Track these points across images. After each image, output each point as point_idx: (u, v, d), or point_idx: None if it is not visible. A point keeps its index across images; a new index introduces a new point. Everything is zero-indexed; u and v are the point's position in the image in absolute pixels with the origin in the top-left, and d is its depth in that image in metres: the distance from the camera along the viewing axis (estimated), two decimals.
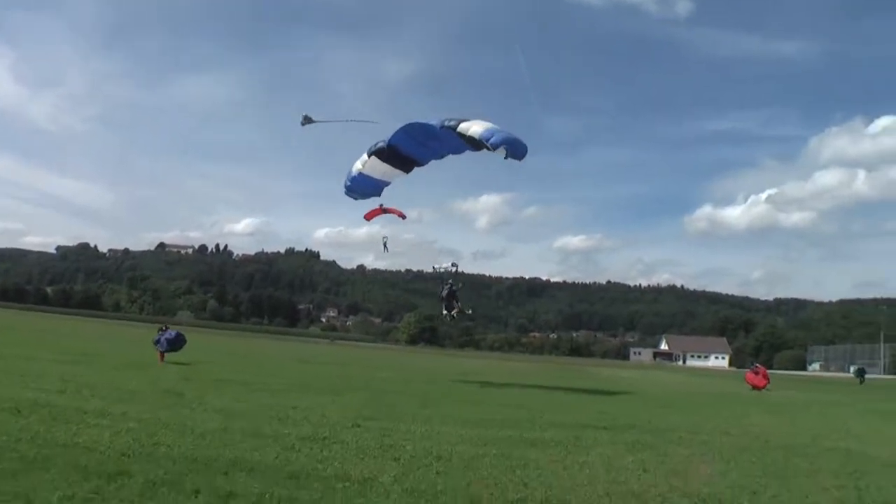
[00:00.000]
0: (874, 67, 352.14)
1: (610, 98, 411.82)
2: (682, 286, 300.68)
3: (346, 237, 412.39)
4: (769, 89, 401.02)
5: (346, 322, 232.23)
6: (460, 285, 25.98)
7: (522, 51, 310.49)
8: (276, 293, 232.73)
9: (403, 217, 27.88)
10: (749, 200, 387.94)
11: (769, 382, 31.18)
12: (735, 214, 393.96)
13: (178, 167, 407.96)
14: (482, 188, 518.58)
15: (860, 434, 13.76)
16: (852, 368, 67.80)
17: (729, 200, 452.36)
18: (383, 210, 26.80)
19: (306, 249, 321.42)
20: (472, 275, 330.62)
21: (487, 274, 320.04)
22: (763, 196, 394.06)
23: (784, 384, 38.04)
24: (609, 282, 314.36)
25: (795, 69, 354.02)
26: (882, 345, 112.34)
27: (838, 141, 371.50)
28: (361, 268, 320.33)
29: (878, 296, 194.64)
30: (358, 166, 23.27)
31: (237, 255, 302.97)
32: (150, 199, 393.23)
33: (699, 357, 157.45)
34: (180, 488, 6.12)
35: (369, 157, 22.79)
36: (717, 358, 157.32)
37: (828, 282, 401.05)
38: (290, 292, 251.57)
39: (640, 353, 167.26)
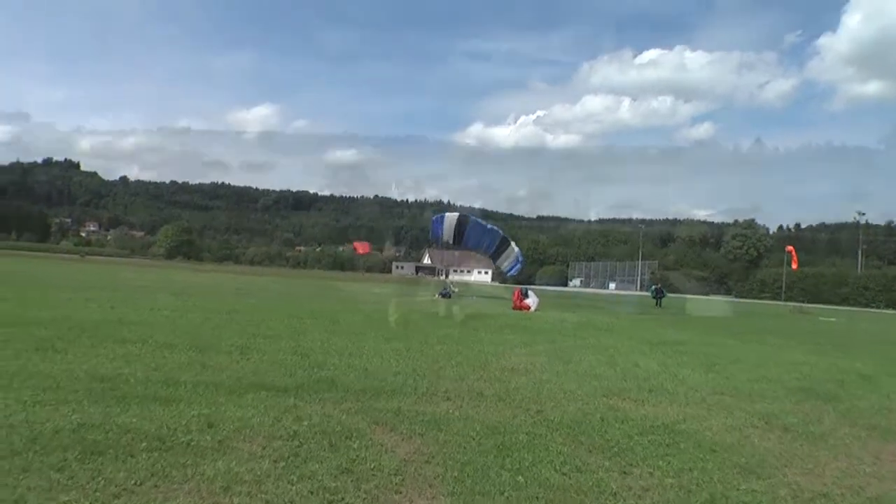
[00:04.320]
0: None
1: (383, 12, 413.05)
2: (450, 202, 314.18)
3: (111, 148, 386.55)
4: (544, 13, 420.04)
5: (106, 236, 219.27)
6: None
7: None
8: (27, 206, 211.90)
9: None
10: (519, 121, 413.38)
11: (538, 303, 28.25)
12: (504, 134, 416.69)
13: None
14: (255, 99, 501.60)
15: (665, 387, 9.68)
16: (651, 288, 65.36)
17: (499, 120, 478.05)
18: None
19: (66, 160, 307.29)
20: (239, 187, 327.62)
21: (254, 186, 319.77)
22: (532, 117, 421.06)
23: (550, 303, 35.83)
24: (377, 196, 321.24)
25: None
26: (640, 262, 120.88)
27: (608, 68, 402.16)
28: (124, 179, 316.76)
29: (635, 216, 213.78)
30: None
31: None
32: None
33: (462, 272, 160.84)
34: None
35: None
36: (480, 273, 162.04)
37: (589, 202, 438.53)
38: (46, 206, 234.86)
39: (402, 268, 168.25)
